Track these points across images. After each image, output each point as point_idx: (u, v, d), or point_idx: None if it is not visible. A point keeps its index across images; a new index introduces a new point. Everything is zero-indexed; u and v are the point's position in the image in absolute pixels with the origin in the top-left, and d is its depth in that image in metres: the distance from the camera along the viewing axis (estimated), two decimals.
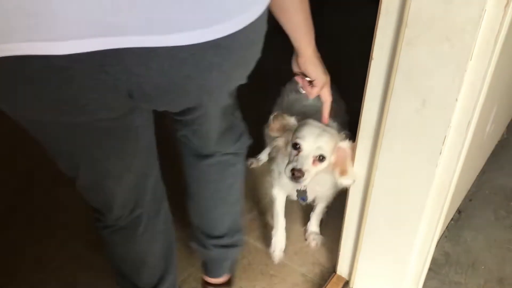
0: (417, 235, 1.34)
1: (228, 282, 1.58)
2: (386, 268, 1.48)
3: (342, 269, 1.65)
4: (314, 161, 1.36)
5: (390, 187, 1.33)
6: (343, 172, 1.39)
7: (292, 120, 1.45)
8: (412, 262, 1.41)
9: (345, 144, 1.40)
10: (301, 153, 1.36)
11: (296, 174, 1.32)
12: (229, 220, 1.43)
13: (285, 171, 1.36)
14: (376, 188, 1.35)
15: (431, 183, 1.24)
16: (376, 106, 1.25)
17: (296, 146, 1.37)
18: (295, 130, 1.40)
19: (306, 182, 1.37)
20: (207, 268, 1.54)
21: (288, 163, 1.37)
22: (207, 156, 1.30)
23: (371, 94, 1.24)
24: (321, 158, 1.36)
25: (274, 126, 1.48)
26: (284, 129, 1.46)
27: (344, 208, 1.51)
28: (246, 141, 1.36)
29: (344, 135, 1.41)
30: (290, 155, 1.39)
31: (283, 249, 1.76)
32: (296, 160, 1.35)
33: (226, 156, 1.32)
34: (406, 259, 1.40)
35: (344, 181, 1.40)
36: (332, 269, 1.71)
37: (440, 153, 1.18)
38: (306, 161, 1.34)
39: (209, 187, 1.36)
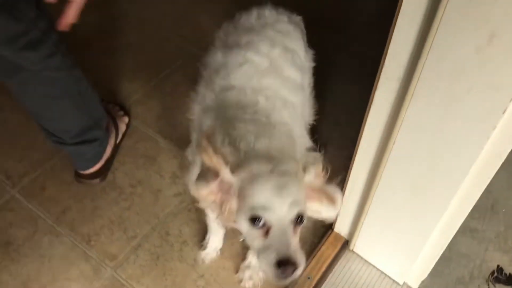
0: (446, 211, 1.01)
1: (99, 172, 1.53)
2: (399, 239, 1.18)
3: (340, 227, 1.34)
4: (294, 229, 0.85)
5: (418, 147, 0.96)
6: (331, 200, 0.90)
7: (227, 174, 0.87)
8: (434, 237, 1.10)
9: (312, 174, 0.89)
10: (272, 231, 0.83)
11: (290, 269, 0.81)
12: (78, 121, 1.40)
13: (258, 262, 0.85)
14: (398, 145, 0.99)
15: (480, 149, 0.88)
16: (412, 35, 0.84)
17: (256, 222, 0.84)
18: (241, 195, 0.87)
19: (298, 274, 0.84)
20: (73, 161, 1.54)
21: (260, 252, 0.84)
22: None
23: (406, 19, 0.82)
24: (299, 220, 0.86)
25: (209, 192, 0.87)
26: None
27: (347, 154, 1.17)
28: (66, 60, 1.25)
29: (308, 159, 0.93)
30: (249, 237, 0.87)
31: (218, 250, 1.36)
32: (271, 245, 0.82)
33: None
34: (427, 234, 1.09)
35: (333, 213, 0.92)
36: (328, 225, 1.39)
37: (504, 112, 0.80)
38: (289, 240, 0.83)
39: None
